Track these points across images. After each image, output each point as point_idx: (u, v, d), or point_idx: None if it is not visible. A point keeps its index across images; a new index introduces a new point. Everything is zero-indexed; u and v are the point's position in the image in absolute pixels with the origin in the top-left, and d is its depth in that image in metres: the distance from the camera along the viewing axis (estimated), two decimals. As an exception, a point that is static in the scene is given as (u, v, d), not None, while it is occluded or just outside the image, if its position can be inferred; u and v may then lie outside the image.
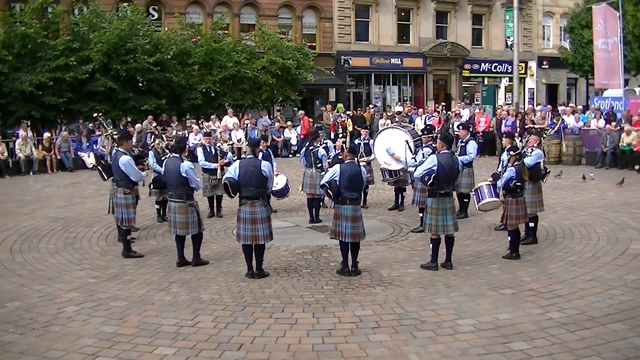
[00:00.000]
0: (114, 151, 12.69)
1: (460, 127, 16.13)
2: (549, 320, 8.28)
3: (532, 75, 49.17)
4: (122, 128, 24.78)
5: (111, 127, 18.49)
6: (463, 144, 15.07)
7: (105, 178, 13.10)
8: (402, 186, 16.35)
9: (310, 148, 15.31)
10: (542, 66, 49.41)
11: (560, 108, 32.60)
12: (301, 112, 31.79)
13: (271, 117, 33.72)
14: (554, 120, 25.62)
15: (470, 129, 27.71)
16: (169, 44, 30.40)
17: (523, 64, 46.35)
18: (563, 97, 49.96)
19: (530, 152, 12.38)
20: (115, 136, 13.64)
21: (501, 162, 12.23)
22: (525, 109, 32.99)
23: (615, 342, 7.55)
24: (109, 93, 28.62)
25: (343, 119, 30.35)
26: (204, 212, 14.66)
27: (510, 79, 42.32)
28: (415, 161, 13.01)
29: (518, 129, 26.44)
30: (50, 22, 29.32)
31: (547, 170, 13.08)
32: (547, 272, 10.57)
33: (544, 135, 14.96)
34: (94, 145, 26.66)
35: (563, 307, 8.80)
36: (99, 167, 13.38)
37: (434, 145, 12.98)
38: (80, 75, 27.82)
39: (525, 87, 48.94)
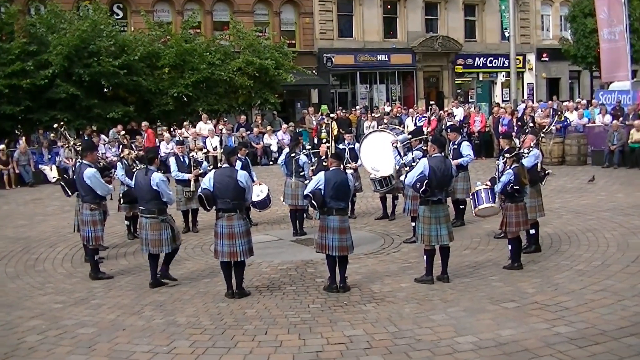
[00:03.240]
0: (77, 164, 12.63)
1: (449, 129, 16.15)
2: (556, 336, 8.30)
3: (531, 69, 49.38)
4: (86, 138, 24.73)
5: (74, 137, 18.43)
6: (455, 147, 15.13)
7: (70, 193, 13.06)
8: (394, 194, 16.33)
9: (292, 155, 15.31)
10: (542, 59, 49.64)
11: (553, 104, 32.55)
12: (145, 123, 29.24)
13: (250, 122, 33.70)
14: (555, 118, 25.73)
15: (464, 130, 27.99)
16: (135, 46, 30.34)
17: (521, 58, 46.55)
18: (565, 91, 50.20)
19: (527, 153, 12.41)
20: (78, 147, 13.56)
21: (497, 167, 12.25)
22: (520, 105, 33.05)
23: (630, 357, 7.56)
24: (71, 100, 28.45)
25: (325, 121, 30.30)
26: (178, 227, 14.61)
27: (508, 74, 42.52)
28: (406, 165, 13.04)
29: (515, 128, 26.52)
30: (4, 23, 29.20)
31: (547, 172, 13.13)
32: (552, 282, 10.60)
33: (543, 134, 14.99)
34: (56, 158, 26.53)
35: (571, 320, 8.82)
36: (62, 182, 13.33)
37: (424, 148, 13.02)
38: (38, 81, 27.64)
39: (523, 83, 49.15)
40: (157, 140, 28.82)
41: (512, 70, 36.17)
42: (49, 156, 27.14)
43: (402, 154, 13.97)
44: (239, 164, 13.64)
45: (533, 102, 38.86)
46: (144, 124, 28.50)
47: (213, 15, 39.47)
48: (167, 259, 11.60)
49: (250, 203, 14.55)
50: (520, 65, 46.73)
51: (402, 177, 13.37)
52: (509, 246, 11.64)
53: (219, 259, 10.67)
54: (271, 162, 29.67)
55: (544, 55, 49.61)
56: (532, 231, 12.58)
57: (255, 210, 16.33)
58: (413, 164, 12.07)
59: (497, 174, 12.20)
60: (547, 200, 14.03)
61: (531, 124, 15.58)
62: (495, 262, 12.02)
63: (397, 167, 14.14)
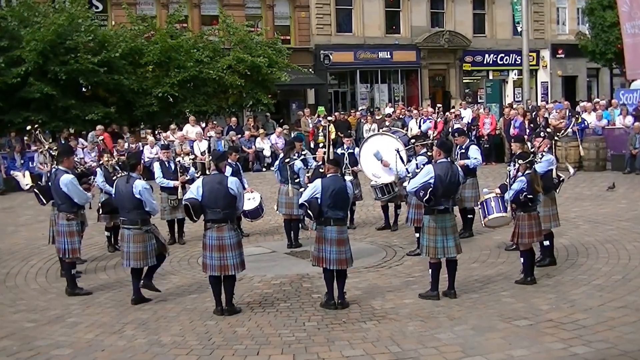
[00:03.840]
0: (53, 169, 12.62)
1: (457, 133, 16.14)
2: (572, 357, 8.31)
3: (545, 66, 49.52)
4: (63, 142, 24.73)
5: (50, 140, 18.43)
6: (463, 151, 15.15)
7: (44, 202, 13.04)
8: (397, 202, 16.35)
9: (287, 161, 15.31)
10: (557, 55, 49.74)
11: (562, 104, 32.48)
12: (99, 127, 28.32)
13: (241, 124, 33.72)
14: (572, 119, 25.72)
15: (473, 133, 28.03)
16: (117, 41, 30.34)
17: (534, 54, 46.68)
18: (583, 91, 50.30)
19: (540, 158, 12.40)
20: (54, 152, 13.55)
21: (508, 173, 12.24)
22: (533, 106, 33.04)
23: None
24: (46, 100, 28.39)
25: (322, 123, 30.29)
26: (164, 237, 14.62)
27: (520, 72, 42.55)
28: (409, 172, 13.04)
29: (527, 131, 26.53)
30: (-28, 17, 29.17)
31: (561, 179, 13.12)
32: (568, 298, 10.61)
33: (558, 137, 14.98)
34: (30, 163, 26.52)
35: (589, 340, 8.82)
36: (36, 189, 13.32)
37: (429, 153, 13.03)
38: (10, 80, 27.59)
39: (537, 81, 49.27)
40: (140, 144, 28.83)
41: (524, 68, 36.28)
42: (22, 161, 27.09)
43: (404, 160, 13.97)
44: (229, 170, 13.64)
45: (547, 102, 38.88)
46: (99, 127, 27.99)
47: (201, 8, 39.56)
48: (152, 268, 11.60)
49: (242, 212, 14.57)
50: (534, 62, 46.80)
51: (405, 184, 13.40)
52: (521, 259, 11.65)
53: (208, 273, 10.67)
54: (264, 168, 29.70)
55: (560, 51, 49.70)
56: (547, 243, 12.57)
57: (246, 220, 16.32)
58: (417, 170, 12.09)
59: (508, 180, 12.18)
60: (562, 209, 14.04)
61: (545, 127, 15.58)
62: (507, 276, 12.02)
63: (400, 175, 14.14)
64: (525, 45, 35.59)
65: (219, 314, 10.55)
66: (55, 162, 12.83)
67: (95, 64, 28.55)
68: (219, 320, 10.35)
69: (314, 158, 15.88)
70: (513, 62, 47.20)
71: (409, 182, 11.61)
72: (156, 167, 16.08)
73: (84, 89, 30.22)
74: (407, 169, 13.79)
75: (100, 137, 21.27)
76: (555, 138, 14.25)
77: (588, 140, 25.91)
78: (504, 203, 12.61)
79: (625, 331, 9.05)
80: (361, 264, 13.03)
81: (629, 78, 34.20)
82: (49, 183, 12.77)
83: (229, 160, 14.08)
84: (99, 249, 15.63)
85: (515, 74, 47.72)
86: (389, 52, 44.08)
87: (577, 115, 26.76)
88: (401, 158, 14.26)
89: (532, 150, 12.66)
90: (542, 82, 49.63)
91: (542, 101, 41.28)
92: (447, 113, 32.86)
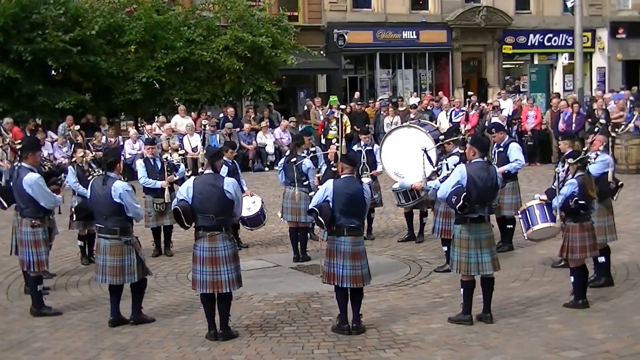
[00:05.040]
0: (16, 167, 12.64)
1: (494, 128, 16.10)
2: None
3: (603, 48, 49.29)
4: (28, 134, 24.80)
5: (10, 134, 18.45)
6: (501, 150, 15.15)
7: (5, 205, 13.05)
8: (422, 209, 16.33)
9: (293, 160, 15.29)
10: (617, 36, 49.43)
11: (630, 95, 32.35)
12: (8, 120, 27.07)
13: (240, 116, 33.76)
14: (634, 112, 25.68)
15: (514, 128, 28.01)
16: (93, 16, 30.33)
17: (589, 34, 46.44)
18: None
19: (595, 159, 12.37)
20: (17, 146, 13.57)
21: (556, 175, 12.20)
22: (588, 96, 32.98)
23: None
24: (8, 85, 28.47)
25: (335, 115, 30.28)
26: (147, 249, 14.65)
27: (571, 56, 42.48)
28: (439, 175, 13.01)
29: (574, 126, 26.49)
30: None
31: (619, 184, 13.07)
32: (628, 326, 10.60)
33: (616, 133, 14.94)
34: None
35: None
36: (-6, 191, 13.34)
37: (462, 152, 13.01)
38: (-36, 62, 27.70)
39: (592, 67, 49.13)
40: (120, 138, 28.89)
41: (577, 51, 36.11)
42: (-21, 158, 27.16)
43: (434, 162, 13.94)
44: (225, 170, 13.67)
45: (604, 91, 38.78)
46: (7, 120, 27.22)
47: (193, -22, 39.64)
48: (137, 296, 11.54)
49: (240, 219, 14.59)
50: (588, 44, 46.59)
51: (430, 184, 13.39)
52: (571, 278, 11.62)
53: (199, 290, 10.69)
54: (266, 168, 29.76)
55: (620, 30, 49.38)
56: (602, 259, 12.53)
57: (245, 229, 16.36)
58: (448, 172, 12.08)
59: (556, 184, 12.17)
60: (620, 220, 14.01)
61: (602, 121, 15.46)
62: (553, 299, 12.02)
63: (427, 176, 14.10)
64: (578, 24, 35.44)
65: (212, 339, 10.56)
66: (18, 158, 12.88)
67: (67, 43, 28.44)
68: (212, 346, 10.37)
69: (325, 156, 15.89)
70: (563, 43, 47.15)
71: (438, 189, 11.59)
72: (139, 165, 16.13)
73: (53, 72, 30.35)
74: (436, 172, 13.72)
75: (76, 128, 21.27)
76: (613, 134, 14.23)
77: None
78: (550, 211, 12.58)
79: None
80: (380, 282, 13.06)
81: None
82: (11, 183, 12.79)
83: (225, 158, 14.09)
84: (71, 261, 15.67)
85: (565, 58, 47.59)
86: (414, 32, 44.05)
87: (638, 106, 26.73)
88: (429, 159, 14.15)
89: (584, 148, 12.63)
90: (598, 67, 49.40)
91: (597, 90, 41.15)
92: (482, 104, 32.81)
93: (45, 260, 12.37)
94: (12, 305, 12.78)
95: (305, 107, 35.47)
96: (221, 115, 32.09)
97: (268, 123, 31.46)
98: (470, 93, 35.70)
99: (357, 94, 38.27)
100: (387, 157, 15.91)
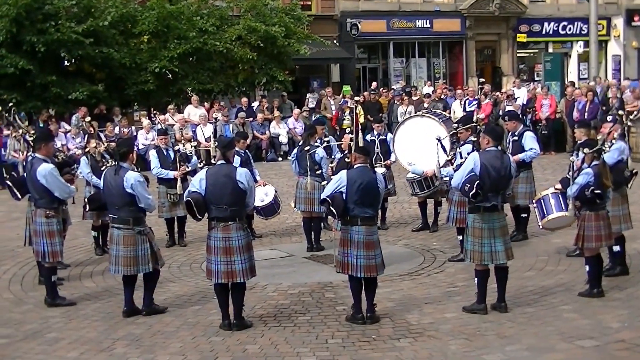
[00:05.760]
0: (29, 158, 12.67)
1: (507, 117, 16.07)
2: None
3: (618, 36, 49.04)
4: (41, 125, 24.83)
5: (26, 124, 18.49)
6: (515, 139, 15.11)
7: (19, 196, 13.05)
8: (437, 198, 16.33)
9: (306, 149, 15.28)
10: (633, 23, 49.15)
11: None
12: None
13: (252, 105, 33.71)
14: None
15: (528, 117, 27.95)
16: (105, 7, 30.26)
17: (604, 22, 46.33)
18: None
19: (610, 147, 12.29)
20: (31, 137, 13.61)
21: (571, 165, 12.15)
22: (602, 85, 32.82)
23: None
24: (21, 76, 28.42)
25: (348, 105, 30.23)
26: (161, 240, 14.68)
27: (586, 44, 42.33)
28: (452, 164, 12.99)
29: (587, 114, 26.39)
30: None
31: (634, 171, 13.02)
32: (643, 314, 10.61)
33: (631, 121, 14.83)
34: (2, 151, 26.61)
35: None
36: (8, 181, 13.36)
37: (475, 140, 12.98)
38: (-23, 52, 27.72)
39: (607, 55, 48.92)
40: (133, 128, 28.91)
41: (592, 39, 36.05)
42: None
43: (447, 150, 13.91)
44: (237, 160, 13.69)
45: (620, 80, 38.60)
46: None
47: (205, -32, 39.57)
48: (149, 286, 11.56)
49: (253, 209, 14.61)
50: (604, 32, 46.49)
51: (444, 171, 13.37)
52: (586, 267, 11.61)
53: (213, 280, 10.71)
54: (280, 158, 29.76)
55: (636, 18, 49.15)
56: (617, 248, 12.52)
57: (259, 219, 16.38)
58: (462, 160, 12.05)
59: (570, 173, 12.11)
60: (636, 208, 13.97)
61: (620, 112, 15.31)
62: (568, 288, 12.00)
63: (441, 166, 14.07)
64: (593, 11, 35.38)
65: (226, 329, 10.59)
66: (32, 149, 12.90)
67: (80, 34, 28.46)
68: (226, 336, 10.39)
69: (339, 146, 15.88)
70: (578, 31, 46.99)
71: (452, 177, 11.57)
72: (152, 155, 16.13)
73: (66, 63, 30.32)
74: (450, 160, 13.70)
75: (88, 119, 21.31)
76: (628, 123, 14.15)
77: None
78: (565, 200, 12.53)
79: None
80: (394, 271, 13.08)
81: None
82: (25, 174, 12.81)
83: (237, 149, 14.09)
84: (85, 251, 15.73)
85: (580, 46, 47.40)
86: (428, 21, 44.00)
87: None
88: (443, 148, 14.13)
89: (599, 137, 12.58)
90: (613, 55, 49.17)
91: (613, 79, 41.00)
92: (497, 93, 32.73)
93: (60, 250, 12.40)
94: (27, 295, 12.82)
95: (319, 97, 35.28)
96: (238, 106, 31.98)
97: (281, 114, 31.47)
98: (482, 80, 35.61)
99: (374, 84, 38.17)
100: (400, 147, 15.92)
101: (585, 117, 26.26)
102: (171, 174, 15.74)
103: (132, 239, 11.23)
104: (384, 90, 36.39)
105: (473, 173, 10.71)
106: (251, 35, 32.16)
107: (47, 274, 12.28)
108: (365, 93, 34.20)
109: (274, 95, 35.40)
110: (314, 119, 29.02)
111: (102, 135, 18.10)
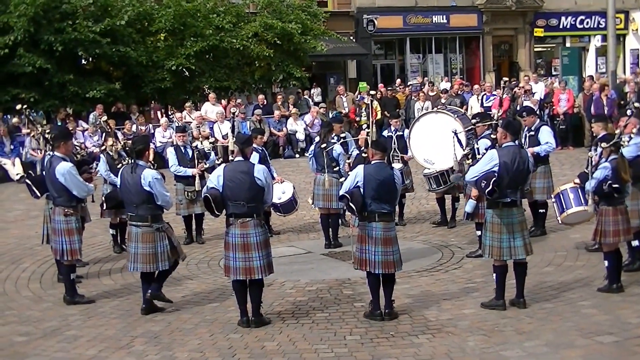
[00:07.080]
0: (48, 156, 12.69)
1: (525, 112, 16.02)
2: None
3: (636, 30, 48.79)
4: (59, 124, 24.89)
5: (44, 122, 18.55)
6: (532, 134, 15.08)
7: (38, 194, 13.09)
8: (454, 194, 16.31)
9: (323, 146, 15.26)
10: (651, 16, 49.04)
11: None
12: None
13: (270, 102, 33.72)
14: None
15: (546, 112, 27.87)
16: (122, 5, 30.40)
17: (622, 15, 45.99)
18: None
19: (628, 141, 12.23)
20: (49, 135, 13.62)
21: (589, 160, 12.10)
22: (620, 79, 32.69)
23: None
24: (39, 75, 28.48)
25: (365, 101, 30.14)
26: (179, 237, 14.71)
27: (604, 38, 42.10)
28: (469, 158, 12.95)
29: (606, 109, 26.27)
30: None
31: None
32: (663, 310, 10.55)
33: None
34: (20, 149, 26.69)
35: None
36: (27, 180, 13.40)
37: (493, 136, 12.94)
38: (-4, 51, 27.83)
39: (625, 49, 48.68)
40: (150, 126, 28.97)
41: (610, 33, 35.73)
42: (12, 147, 27.09)
43: (464, 144, 13.88)
44: (255, 157, 13.68)
45: (638, 74, 38.39)
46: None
47: (221, -35, 39.60)
48: (161, 275, 11.61)
49: (271, 206, 14.61)
50: (622, 25, 46.18)
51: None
52: (605, 262, 11.56)
53: (231, 277, 10.73)
54: (297, 154, 29.77)
55: (654, 11, 49.02)
56: (636, 242, 12.44)
57: (277, 215, 16.39)
58: (479, 156, 12.02)
59: (589, 168, 12.08)
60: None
61: (637, 105, 15.20)
62: (587, 283, 11.96)
63: (458, 159, 14.04)
64: (610, 5, 35.03)
65: (245, 326, 10.61)
66: (50, 147, 12.92)
67: (97, 33, 28.62)
68: (245, 333, 10.41)
69: (356, 142, 15.86)
70: (596, 25, 46.74)
71: (468, 170, 11.54)
72: (170, 153, 16.14)
73: (83, 62, 30.44)
74: (466, 154, 13.67)
75: (104, 118, 21.39)
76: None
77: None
78: (584, 195, 12.49)
79: None
80: (412, 267, 13.07)
81: None
82: (43, 172, 12.83)
83: (254, 145, 14.09)
84: (103, 249, 15.77)
85: (598, 41, 47.12)
86: (445, 16, 43.91)
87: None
88: (459, 142, 14.11)
89: (617, 131, 12.52)
90: (631, 49, 48.89)
91: (631, 73, 40.77)
92: (514, 88, 32.64)
93: (79, 248, 12.41)
94: (46, 293, 12.86)
95: (335, 93, 35.33)
96: (255, 103, 31.99)
97: (298, 110, 31.51)
98: (505, 79, 35.47)
99: (398, 81, 38.16)
100: (416, 143, 15.84)
101: (605, 111, 26.15)
102: (189, 171, 15.76)
103: (151, 236, 11.27)
104: (401, 86, 36.37)
105: (490, 170, 10.67)
106: (268, 32, 32.24)
107: (66, 271, 12.32)
108: (382, 88, 34.13)
109: (292, 93, 35.45)
110: (330, 116, 28.99)
111: (119, 133, 18.11)
